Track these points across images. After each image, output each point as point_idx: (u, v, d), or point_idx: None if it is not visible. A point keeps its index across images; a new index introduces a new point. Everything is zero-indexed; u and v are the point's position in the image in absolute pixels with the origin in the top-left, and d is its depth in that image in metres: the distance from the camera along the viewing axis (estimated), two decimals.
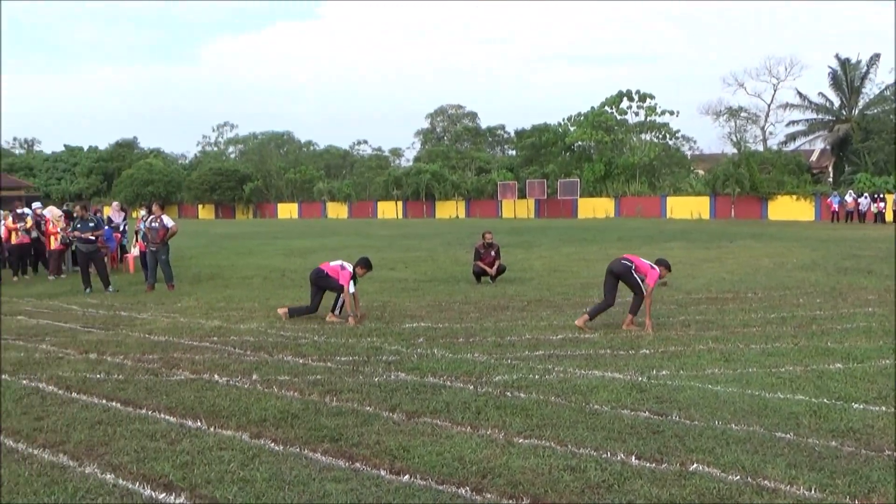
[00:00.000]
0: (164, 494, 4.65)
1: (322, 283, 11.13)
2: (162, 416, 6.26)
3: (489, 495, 4.59)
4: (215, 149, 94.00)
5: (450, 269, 18.05)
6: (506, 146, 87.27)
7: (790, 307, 11.56)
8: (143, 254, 16.69)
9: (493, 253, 15.35)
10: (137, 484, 4.81)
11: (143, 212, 17.72)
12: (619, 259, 10.40)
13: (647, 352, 8.48)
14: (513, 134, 79.44)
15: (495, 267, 15.23)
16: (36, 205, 19.53)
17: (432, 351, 8.63)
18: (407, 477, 4.87)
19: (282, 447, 5.45)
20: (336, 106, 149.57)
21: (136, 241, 17.88)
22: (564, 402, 6.50)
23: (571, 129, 65.18)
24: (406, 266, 19.02)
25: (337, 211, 71.07)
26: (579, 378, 7.31)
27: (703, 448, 5.31)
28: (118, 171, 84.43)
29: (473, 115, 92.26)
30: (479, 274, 15.24)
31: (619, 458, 5.15)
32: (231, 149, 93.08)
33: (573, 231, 35.58)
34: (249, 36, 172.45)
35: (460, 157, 74.55)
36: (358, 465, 5.10)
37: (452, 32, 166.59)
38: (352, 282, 10.89)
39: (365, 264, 11.28)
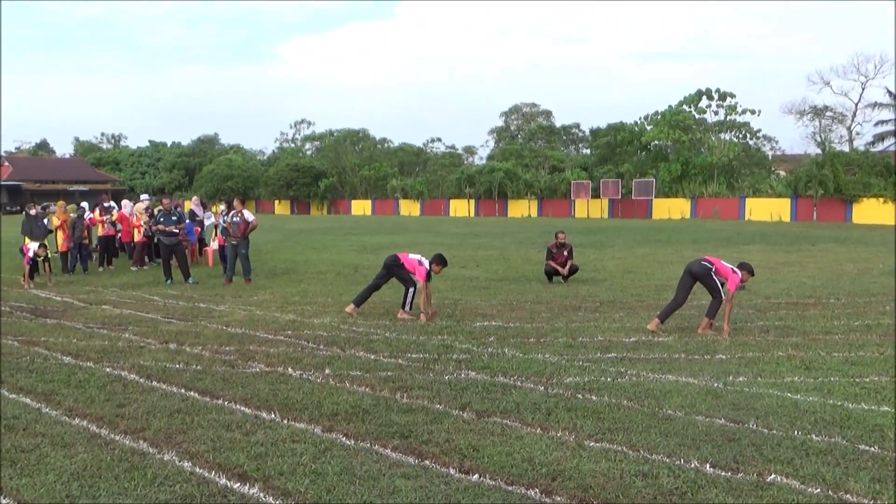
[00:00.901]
0: (238, 484, 4.75)
1: (395, 271, 11.23)
2: (238, 406, 6.41)
3: (559, 498, 4.55)
4: (292, 145, 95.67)
5: (521, 269, 17.97)
6: (580, 145, 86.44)
7: (875, 315, 11.12)
8: (221, 247, 17.11)
9: (565, 253, 15.21)
10: (213, 473, 4.93)
11: (222, 206, 18.17)
12: (699, 260, 10.19)
13: (724, 357, 8.28)
14: (588, 132, 78.69)
15: (567, 267, 15.09)
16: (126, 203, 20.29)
17: (503, 350, 8.61)
18: (476, 476, 4.86)
19: (353, 442, 5.51)
20: (411, 104, 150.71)
21: (216, 234, 18.34)
22: (637, 406, 6.40)
23: (648, 128, 64.07)
24: (477, 264, 19.02)
25: (409, 208, 71.53)
26: (652, 382, 7.19)
27: (782, 458, 5.15)
28: (199, 166, 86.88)
29: (548, 114, 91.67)
30: (550, 273, 15.13)
31: (692, 465, 5.03)
32: (308, 145, 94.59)
33: (648, 232, 34.99)
34: (328, 35, 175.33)
35: (534, 155, 74.09)
36: (427, 462, 5.11)
37: (528, 32, 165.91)
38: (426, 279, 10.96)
39: (440, 261, 11.33)
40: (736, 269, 9.90)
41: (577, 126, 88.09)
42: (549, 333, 9.68)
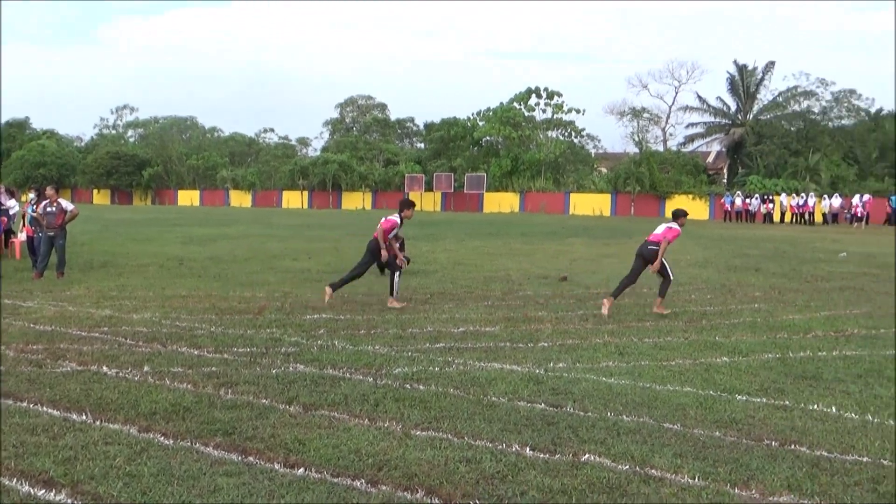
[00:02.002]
0: (43, 491, 4.45)
1: (372, 245, 11.41)
2: (45, 409, 5.99)
3: (384, 487, 4.58)
4: (113, 132, 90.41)
5: (354, 261, 17.84)
6: (414, 139, 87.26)
7: (682, 303, 11.98)
8: (30, 239, 15.91)
9: (397, 245, 15.29)
10: (15, 480, 4.59)
11: (31, 195, 16.88)
12: (646, 243, 11.12)
13: (546, 345, 8.64)
14: (422, 127, 79.52)
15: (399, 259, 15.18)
16: None
17: (333, 342, 8.56)
18: (301, 470, 4.81)
19: (172, 441, 5.29)
20: (243, 93, 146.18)
21: (24, 225, 17.02)
22: (463, 394, 6.55)
23: (480, 123, 65.71)
24: (309, 257, 18.79)
25: (240, 199, 69.62)
26: (478, 370, 7.39)
27: (596, 439, 5.44)
28: (7, 152, 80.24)
29: (383, 107, 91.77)
30: (383, 266, 15.18)
31: (514, 449, 5.22)
32: (130, 132, 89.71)
33: (478, 225, 35.91)
34: (156, 18, 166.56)
35: (368, 148, 74.13)
36: (251, 458, 5.00)
37: (364, 23, 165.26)
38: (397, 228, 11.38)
39: (409, 205, 11.58)
40: (671, 225, 11.09)
41: (412, 120, 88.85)
42: (379, 325, 9.72)
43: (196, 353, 8.02)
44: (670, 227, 11.12)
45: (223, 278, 14.40)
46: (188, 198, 71.98)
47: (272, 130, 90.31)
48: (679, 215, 11.34)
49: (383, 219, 11.58)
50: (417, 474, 4.76)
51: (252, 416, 5.85)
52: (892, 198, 43.21)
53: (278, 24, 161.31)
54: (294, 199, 66.93)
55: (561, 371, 7.41)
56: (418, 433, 5.52)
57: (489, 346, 8.53)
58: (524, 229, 32.46)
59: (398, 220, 11.49)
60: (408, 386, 6.78)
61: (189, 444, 5.24)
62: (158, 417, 5.81)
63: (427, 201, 61.10)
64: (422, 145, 77.27)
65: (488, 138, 65.72)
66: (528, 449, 5.22)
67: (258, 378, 6.98)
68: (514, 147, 63.17)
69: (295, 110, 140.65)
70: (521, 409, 6.14)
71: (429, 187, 61.29)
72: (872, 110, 58.17)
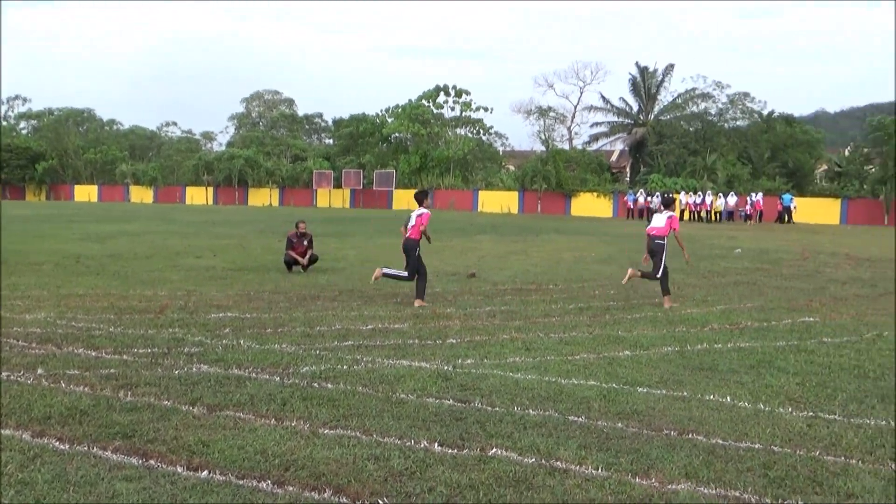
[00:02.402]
0: None
1: (412, 255, 11.52)
2: None
3: (291, 488, 4.53)
4: (4, 123, 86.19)
5: (260, 258, 17.64)
6: (323, 135, 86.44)
7: (587, 298, 12.27)
8: None
9: (305, 242, 15.16)
10: None
11: None
12: (651, 239, 11.83)
13: (454, 341, 8.70)
14: (330, 123, 78.80)
15: (307, 256, 15.05)
16: None
17: (238, 342, 8.39)
18: (205, 472, 4.70)
19: (67, 446, 5.08)
20: (144, 85, 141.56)
21: None
22: (371, 391, 6.53)
23: (389, 120, 65.60)
24: (214, 254, 18.37)
25: (141, 195, 67.43)
26: (387, 368, 7.38)
27: (503, 433, 5.52)
28: None
29: (290, 102, 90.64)
30: (290, 263, 15.00)
31: (422, 445, 5.24)
32: (23, 124, 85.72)
33: (388, 222, 35.83)
34: (46, 6, 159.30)
35: (276, 143, 73.03)
36: (152, 462, 4.86)
37: (271, 18, 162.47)
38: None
39: (426, 194, 12.18)
40: (669, 215, 11.89)
41: (320, 116, 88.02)
42: (286, 323, 9.59)
43: (94, 354, 7.73)
44: (671, 217, 11.92)
45: (123, 276, 13.92)
46: (85, 193, 69.22)
47: (175, 124, 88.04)
48: (670, 203, 12.37)
49: (416, 215, 11.66)
50: (325, 473, 4.72)
51: (153, 419, 5.68)
52: (784, 196, 45.37)
53: (181, 15, 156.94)
54: (198, 196, 65.27)
55: (469, 367, 7.48)
56: (326, 432, 5.47)
57: (398, 344, 8.52)
58: (433, 226, 32.45)
59: (427, 210, 11.83)
60: (316, 384, 6.71)
61: (86, 448, 5.05)
62: (53, 422, 5.57)
63: (336, 198, 60.61)
64: (330, 141, 76.64)
65: (397, 135, 65.70)
66: (436, 445, 5.25)
67: (160, 379, 6.78)
68: (423, 144, 63.32)
69: (199, 104, 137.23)
70: (429, 405, 6.17)
71: (337, 184, 60.79)
72: (765, 112, 60.88)
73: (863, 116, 77.82)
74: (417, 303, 11.22)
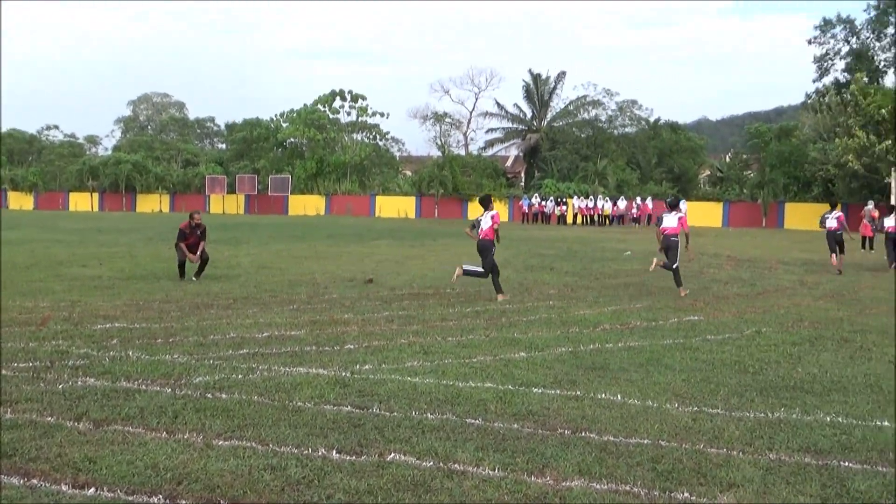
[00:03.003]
0: None
1: (487, 254, 12.68)
2: None
3: (184, 501, 4.41)
4: None
5: (150, 266, 17.06)
6: (215, 139, 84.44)
7: (484, 301, 12.43)
8: None
9: (198, 233, 14.76)
10: None
11: None
12: (667, 237, 13.59)
13: (352, 347, 8.66)
14: (223, 127, 77.03)
15: (199, 250, 14.63)
16: None
17: (127, 353, 8.09)
18: (92, 490, 4.51)
19: None
20: (21, 86, 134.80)
21: None
22: (267, 400, 6.43)
23: (284, 125, 64.67)
24: (101, 263, 17.66)
25: (20, 202, 64.12)
26: (284, 376, 7.28)
27: (401, 438, 5.53)
28: None
29: (181, 105, 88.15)
30: (182, 264, 14.60)
31: (320, 453, 5.19)
32: None
33: (283, 228, 35.34)
34: None
35: (165, 148, 70.83)
36: (35, 481, 4.63)
37: (158, 17, 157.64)
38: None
39: (489, 199, 13.37)
40: (679, 215, 13.78)
41: (212, 120, 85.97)
42: (178, 333, 9.31)
43: None
44: (681, 217, 13.77)
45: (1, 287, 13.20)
46: None
47: (56, 127, 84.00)
48: (676, 204, 14.64)
49: (491, 215, 12.81)
50: (220, 486, 4.62)
51: (36, 436, 5.42)
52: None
53: (64, 13, 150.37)
54: (83, 202, 62.59)
55: (367, 373, 7.46)
56: (221, 443, 5.35)
57: (294, 351, 8.42)
58: (330, 232, 32.32)
59: (496, 211, 13.01)
60: (209, 395, 6.55)
61: None
62: None
63: (230, 204, 59.28)
64: (223, 146, 74.89)
65: (293, 140, 64.85)
66: (334, 452, 5.21)
67: (42, 394, 6.47)
68: (318, 149, 62.69)
69: (83, 107, 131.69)
70: (327, 412, 6.12)
71: (231, 189, 59.44)
72: (652, 119, 63.24)
73: (742, 124, 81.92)
74: (500, 297, 12.48)
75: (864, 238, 25.74)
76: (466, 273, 12.79)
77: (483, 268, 12.71)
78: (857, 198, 40.48)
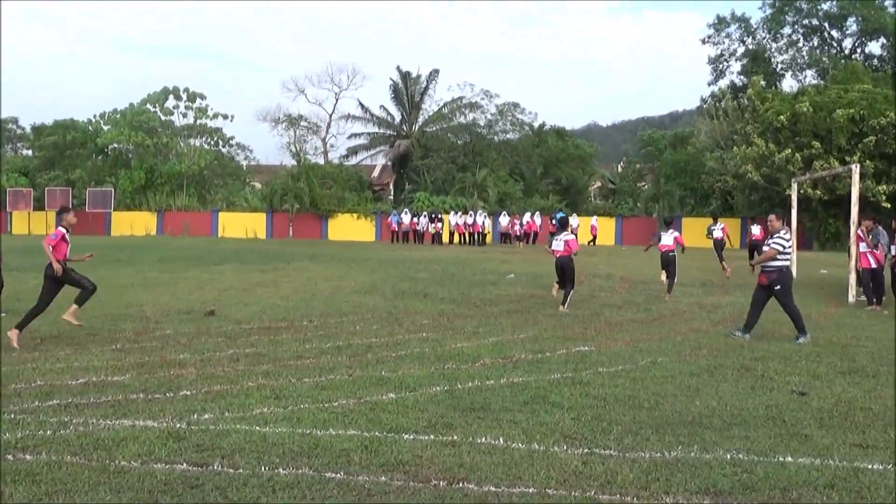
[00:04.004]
0: None
1: (568, 270, 15.84)
2: None
3: None
4: None
5: None
6: (19, 144, 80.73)
7: (346, 335, 12.40)
8: None
9: None
10: None
11: None
12: (665, 254, 17.97)
13: (189, 393, 8.44)
14: (29, 130, 73.75)
15: None
16: None
17: None
18: None
19: None
20: None
21: None
22: (84, 461, 6.17)
23: (105, 128, 62.57)
24: None
25: None
26: (104, 430, 7.00)
27: (247, 499, 5.43)
28: None
29: None
30: None
31: None
32: None
33: (105, 251, 33.99)
34: None
35: None
36: None
37: None
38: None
39: (567, 221, 17.95)
40: (675, 234, 18.16)
41: (16, 121, 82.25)
42: None
43: None
44: (676, 236, 18.08)
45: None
46: None
47: None
48: (672, 221, 19.57)
49: (564, 240, 15.92)
50: None
51: None
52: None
53: None
54: None
55: (207, 423, 7.29)
56: None
57: (117, 400, 8.12)
58: (163, 255, 31.43)
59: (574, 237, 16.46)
60: (10, 457, 6.23)
61: None
62: None
63: (37, 223, 56.57)
64: (29, 152, 71.65)
65: (115, 146, 62.78)
66: None
67: None
68: (148, 157, 60.94)
69: None
70: (157, 472, 5.93)
71: (39, 205, 56.84)
72: (536, 124, 65.09)
73: (634, 130, 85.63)
74: (562, 309, 15.44)
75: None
76: (566, 300, 15.63)
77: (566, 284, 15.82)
78: (758, 210, 42.97)
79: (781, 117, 41.31)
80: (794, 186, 27.43)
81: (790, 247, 12.84)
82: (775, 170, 41.36)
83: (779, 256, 12.34)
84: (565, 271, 15.72)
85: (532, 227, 47.71)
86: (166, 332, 12.53)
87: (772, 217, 12.89)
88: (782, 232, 12.61)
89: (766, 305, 12.68)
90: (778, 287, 12.39)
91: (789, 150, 40.82)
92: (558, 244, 15.95)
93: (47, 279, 11.87)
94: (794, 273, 17.38)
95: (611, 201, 59.44)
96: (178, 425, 7.20)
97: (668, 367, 10.22)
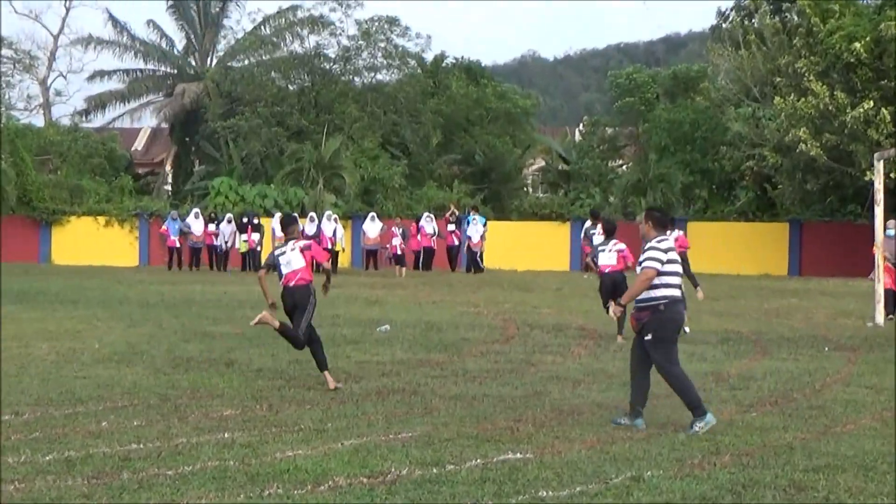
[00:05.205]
0: None
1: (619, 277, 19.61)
2: None
3: None
4: None
5: None
6: None
7: (83, 439, 12.12)
8: None
9: None
10: None
11: None
12: (607, 275, 19.59)
13: None
14: None
15: None
16: None
17: None
18: None
19: None
20: None
21: None
22: None
23: None
24: None
25: None
26: None
27: None
28: None
29: None
30: None
31: None
32: None
33: None
34: None
35: None
36: None
37: None
38: None
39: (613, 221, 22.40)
40: (620, 247, 19.38)
41: None
42: None
43: None
44: (622, 250, 19.41)
45: None
46: None
47: None
48: (614, 227, 20.43)
49: (615, 252, 19.06)
50: None
51: None
52: (466, 217, 48.96)
53: None
54: None
55: None
56: None
57: None
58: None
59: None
60: None
61: None
62: None
63: None
64: None
65: None
66: None
67: None
68: None
69: None
70: None
71: None
72: (430, 57, 65.63)
73: (603, 66, 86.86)
74: (620, 340, 19.65)
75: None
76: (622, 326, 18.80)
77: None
78: (818, 209, 43.62)
79: (857, 45, 39.86)
80: (879, 166, 26.68)
81: (674, 261, 12.60)
82: (846, 136, 40.29)
83: (656, 281, 12.25)
84: (618, 293, 17.07)
85: (425, 241, 47.33)
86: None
87: (639, 218, 12.99)
88: (657, 239, 12.50)
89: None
90: (649, 336, 12.47)
91: (870, 103, 39.51)
92: (609, 256, 18.56)
93: None
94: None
95: (562, 193, 59.67)
96: None
97: (661, 487, 10.18)
